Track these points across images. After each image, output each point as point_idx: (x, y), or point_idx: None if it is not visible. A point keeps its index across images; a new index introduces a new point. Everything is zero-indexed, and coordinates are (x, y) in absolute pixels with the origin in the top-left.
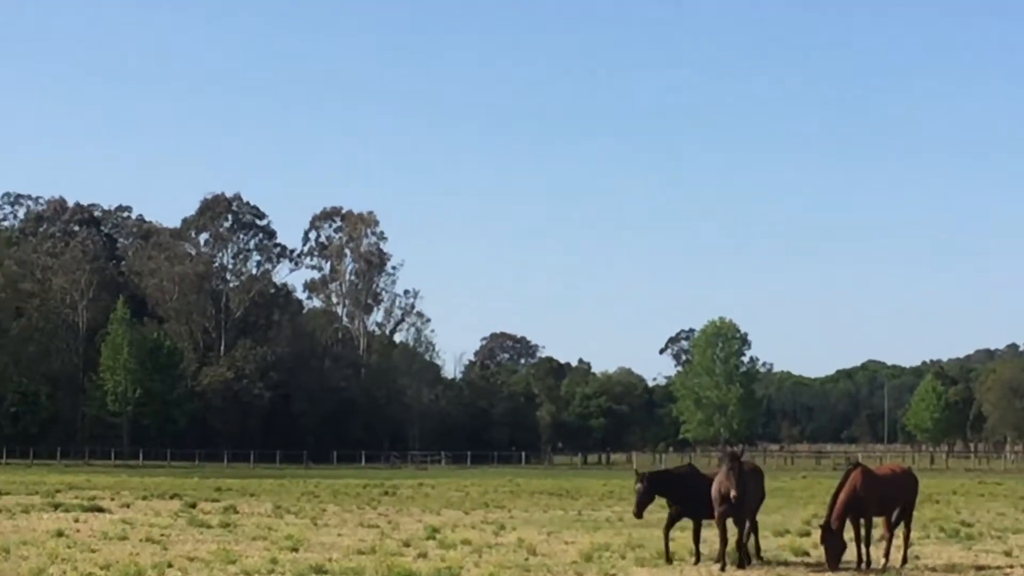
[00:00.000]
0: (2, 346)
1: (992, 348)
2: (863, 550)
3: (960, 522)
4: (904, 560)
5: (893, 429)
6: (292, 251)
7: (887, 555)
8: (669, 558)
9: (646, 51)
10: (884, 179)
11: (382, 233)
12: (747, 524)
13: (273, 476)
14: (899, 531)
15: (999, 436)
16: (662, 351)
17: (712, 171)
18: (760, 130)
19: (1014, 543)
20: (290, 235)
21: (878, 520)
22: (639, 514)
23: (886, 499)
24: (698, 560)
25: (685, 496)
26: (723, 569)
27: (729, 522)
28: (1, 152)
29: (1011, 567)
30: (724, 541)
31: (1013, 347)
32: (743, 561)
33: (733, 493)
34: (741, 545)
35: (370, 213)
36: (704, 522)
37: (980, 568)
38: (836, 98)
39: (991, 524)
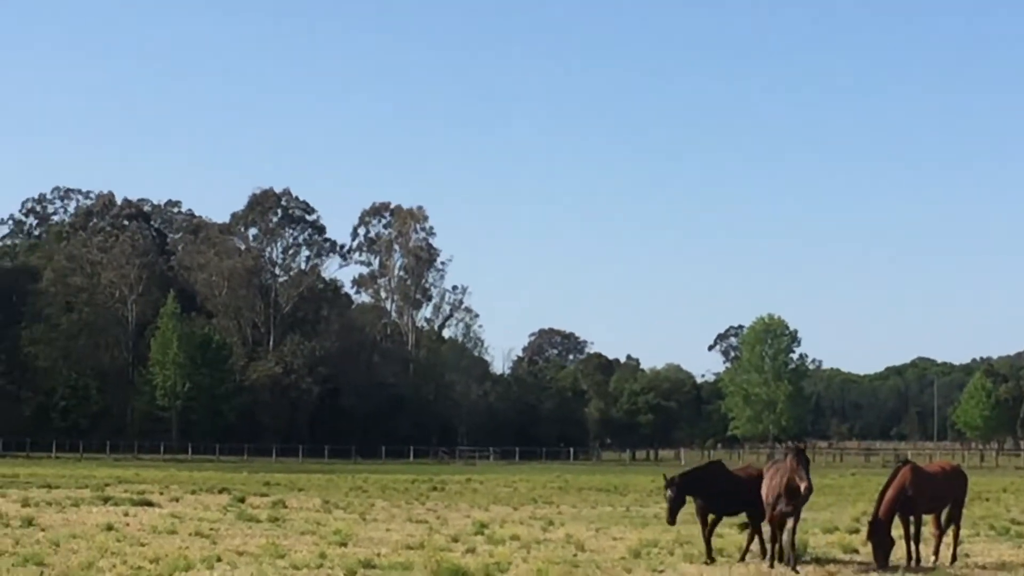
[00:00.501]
0: (52, 340)
1: None
2: (913, 548)
3: (1010, 520)
4: (953, 558)
5: (943, 426)
6: (341, 246)
7: (936, 553)
8: (712, 556)
9: (697, 50)
10: (933, 175)
11: (431, 228)
12: (797, 521)
13: (321, 471)
14: (949, 529)
15: None
16: (711, 348)
17: (760, 167)
18: (808, 126)
19: None
20: (339, 230)
21: (927, 518)
22: (672, 520)
23: (936, 497)
24: (711, 558)
25: (715, 493)
26: (771, 566)
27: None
28: (51, 146)
29: None
30: (776, 538)
31: None
32: (794, 558)
33: (805, 485)
34: (793, 542)
35: (419, 208)
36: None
37: None
38: (881, 92)
39: None
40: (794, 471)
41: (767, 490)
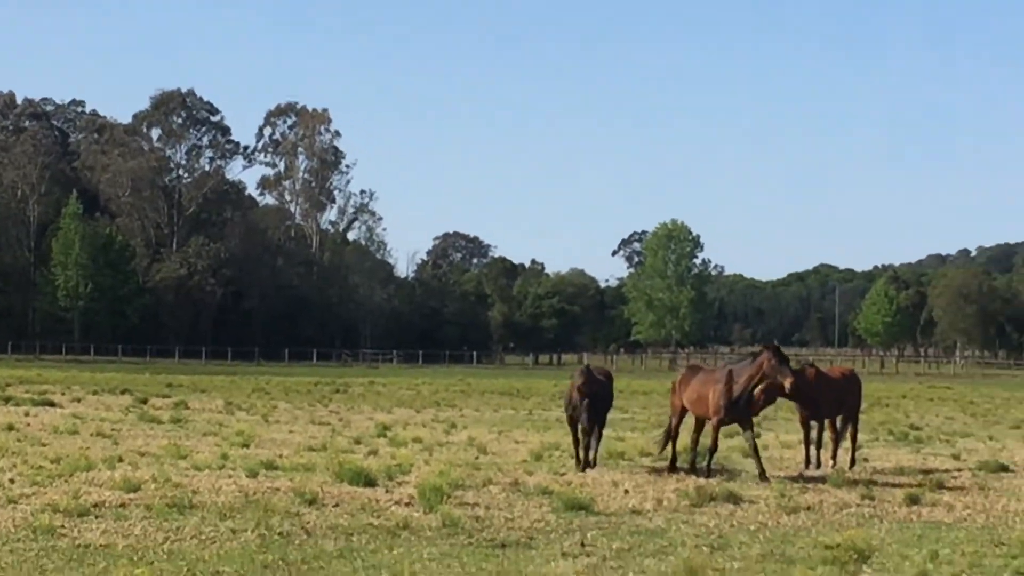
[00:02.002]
0: None
1: (944, 253)
2: (813, 452)
3: (909, 426)
4: (852, 462)
5: (844, 333)
6: (245, 147)
7: (834, 457)
8: (580, 461)
9: None
10: (839, 79)
11: (336, 131)
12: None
13: (224, 373)
14: (846, 433)
15: (949, 341)
16: (615, 253)
17: (667, 71)
18: (711, 30)
19: (962, 447)
20: (244, 132)
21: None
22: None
23: (837, 401)
24: (584, 465)
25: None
26: (704, 474)
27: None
28: None
29: (959, 471)
30: (715, 445)
31: (964, 252)
32: (709, 466)
33: (791, 380)
34: (713, 450)
35: (324, 110)
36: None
37: (928, 471)
38: None
39: (940, 428)
40: (775, 369)
41: (722, 392)
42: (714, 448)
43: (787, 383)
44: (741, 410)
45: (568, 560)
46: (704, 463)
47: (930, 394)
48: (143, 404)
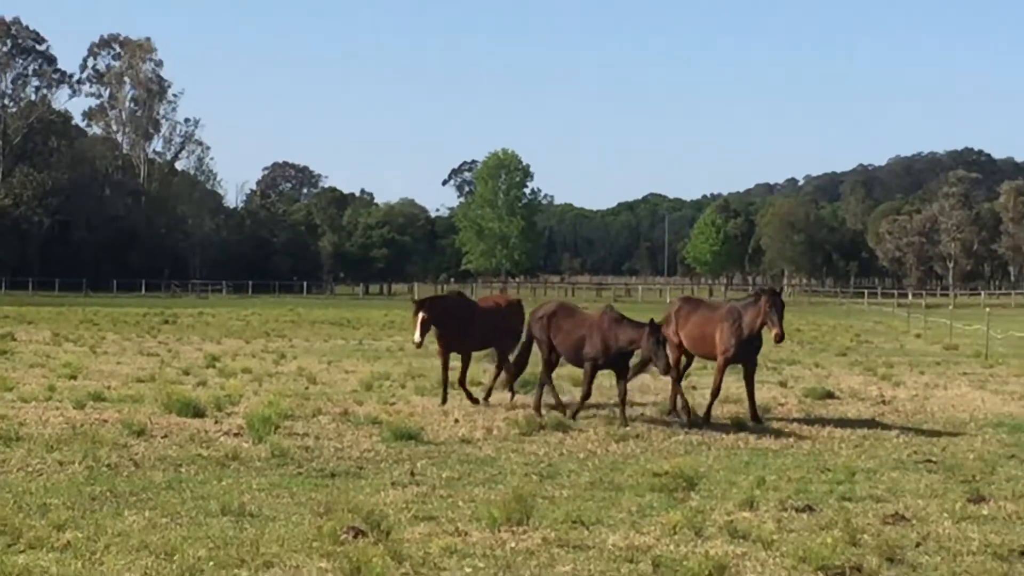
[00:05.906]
0: None
1: (772, 182)
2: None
3: None
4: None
5: (673, 262)
6: (70, 76)
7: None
8: (445, 399)
9: None
10: (668, 6)
11: (160, 60)
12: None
13: (52, 304)
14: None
15: (777, 269)
16: (445, 182)
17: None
18: None
19: (789, 374)
20: (71, 62)
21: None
22: (420, 343)
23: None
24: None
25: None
26: (688, 418)
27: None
28: None
29: (785, 399)
30: (719, 387)
31: (792, 182)
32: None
33: (777, 332)
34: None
35: (148, 40)
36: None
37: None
38: None
39: (766, 355)
40: (767, 315)
41: (731, 330)
42: (718, 390)
43: (773, 333)
44: (747, 350)
45: (398, 489)
46: (703, 408)
47: None
48: None
